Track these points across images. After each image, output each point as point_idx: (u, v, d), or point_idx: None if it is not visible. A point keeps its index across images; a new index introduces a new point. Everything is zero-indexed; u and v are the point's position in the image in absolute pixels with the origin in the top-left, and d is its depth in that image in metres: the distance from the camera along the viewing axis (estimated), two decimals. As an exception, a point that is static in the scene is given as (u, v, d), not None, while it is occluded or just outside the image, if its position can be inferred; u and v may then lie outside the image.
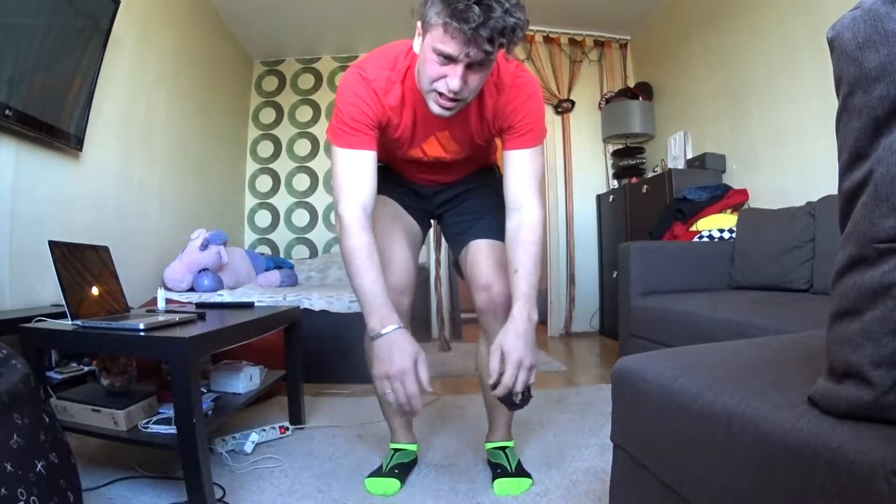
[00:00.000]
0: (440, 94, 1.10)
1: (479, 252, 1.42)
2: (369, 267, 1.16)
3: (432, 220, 1.62)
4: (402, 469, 1.44)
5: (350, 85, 1.21)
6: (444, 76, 1.07)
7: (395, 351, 1.09)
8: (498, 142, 1.40)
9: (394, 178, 1.48)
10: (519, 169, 1.27)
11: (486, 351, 1.38)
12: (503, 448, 1.47)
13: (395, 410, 1.11)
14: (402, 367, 1.07)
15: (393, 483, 1.38)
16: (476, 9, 0.97)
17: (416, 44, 1.15)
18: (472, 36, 0.99)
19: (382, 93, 1.22)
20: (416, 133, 1.29)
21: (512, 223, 1.27)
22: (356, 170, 1.21)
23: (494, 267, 1.38)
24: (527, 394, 1.15)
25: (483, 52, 1.02)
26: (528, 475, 1.39)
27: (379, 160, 1.29)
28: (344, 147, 1.21)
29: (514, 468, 1.41)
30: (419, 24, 1.12)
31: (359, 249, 1.16)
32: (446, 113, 1.14)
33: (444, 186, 1.50)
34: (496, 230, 1.40)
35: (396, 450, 1.50)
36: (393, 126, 1.26)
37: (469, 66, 1.06)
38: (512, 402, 1.14)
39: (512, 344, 1.12)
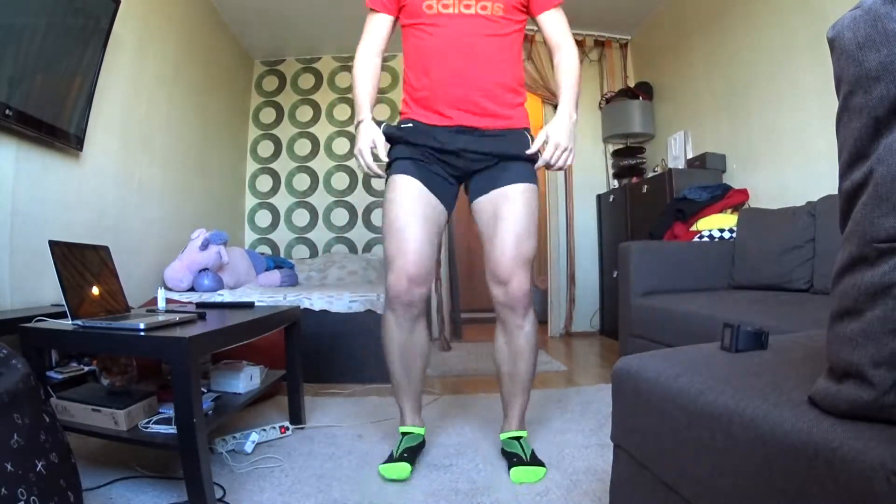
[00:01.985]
0: None
1: (503, 219, 1.47)
2: (363, 79, 1.54)
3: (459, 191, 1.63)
4: (411, 452, 1.50)
5: None
6: None
7: (361, 134, 1.48)
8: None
9: (424, 148, 1.49)
10: (553, 23, 1.58)
11: (504, 342, 1.54)
12: (517, 438, 1.52)
13: (367, 171, 1.49)
14: (361, 145, 1.47)
15: (404, 467, 1.43)
16: None
17: None
18: None
19: None
20: None
21: (555, 58, 1.56)
22: (375, 26, 1.58)
23: (515, 261, 1.45)
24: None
25: None
26: (542, 464, 1.45)
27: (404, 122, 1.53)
28: (369, 6, 1.58)
29: (528, 457, 1.46)
30: None
31: (360, 69, 1.55)
32: None
33: (479, 135, 1.48)
34: (531, 177, 1.53)
35: (405, 434, 1.55)
36: None
37: None
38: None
39: (555, 129, 1.46)
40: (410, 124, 1.51)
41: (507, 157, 1.49)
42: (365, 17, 1.61)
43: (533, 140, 1.52)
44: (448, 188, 1.54)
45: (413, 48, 1.51)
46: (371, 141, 1.46)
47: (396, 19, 1.56)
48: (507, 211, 1.47)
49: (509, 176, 1.49)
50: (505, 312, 1.50)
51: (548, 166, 1.47)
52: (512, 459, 1.46)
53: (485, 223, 1.51)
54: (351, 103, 4.51)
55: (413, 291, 1.46)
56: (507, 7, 1.47)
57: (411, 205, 1.47)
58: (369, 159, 1.47)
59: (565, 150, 1.46)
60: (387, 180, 1.53)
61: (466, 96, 1.46)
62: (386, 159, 1.51)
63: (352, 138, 4.44)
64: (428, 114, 1.48)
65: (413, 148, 1.50)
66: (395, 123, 1.55)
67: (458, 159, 1.50)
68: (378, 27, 1.58)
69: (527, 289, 1.47)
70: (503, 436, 1.56)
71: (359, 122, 1.50)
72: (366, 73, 1.55)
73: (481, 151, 1.48)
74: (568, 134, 1.46)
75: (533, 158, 1.51)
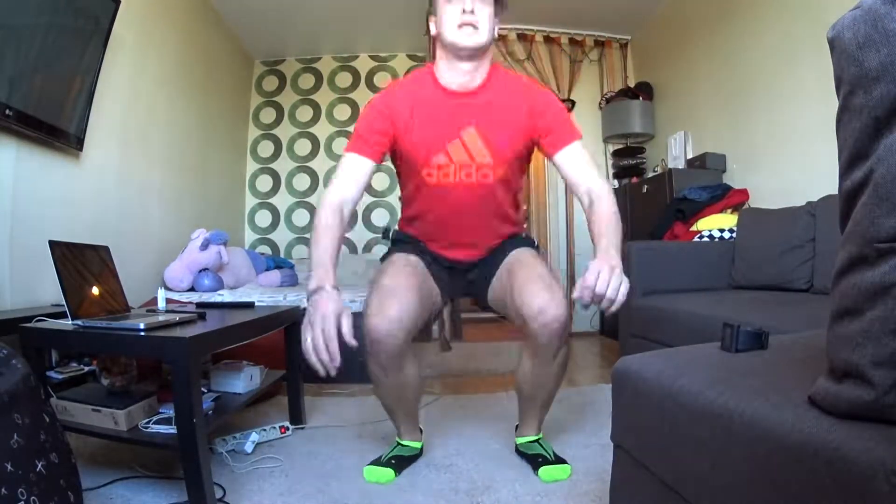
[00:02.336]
0: (459, 25, 1.30)
1: (520, 268, 1.37)
2: (325, 238, 1.26)
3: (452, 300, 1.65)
4: (400, 461, 1.48)
5: (373, 99, 1.42)
6: (458, 7, 1.30)
7: (321, 302, 1.12)
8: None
9: (428, 254, 1.50)
10: (573, 160, 1.37)
11: (529, 367, 1.39)
12: (536, 440, 1.52)
13: (313, 362, 1.08)
14: (324, 312, 1.10)
15: (387, 473, 1.42)
16: None
17: (433, 27, 1.38)
18: None
19: (395, 97, 1.39)
20: (439, 129, 1.37)
21: (584, 203, 1.34)
22: (350, 170, 1.36)
23: (543, 285, 1.28)
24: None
25: None
26: (566, 462, 1.44)
27: (412, 215, 1.48)
28: (348, 151, 1.38)
29: (553, 456, 1.45)
30: (431, 17, 1.38)
31: (322, 225, 1.28)
32: (471, 38, 1.30)
33: (479, 260, 1.51)
34: (530, 244, 1.50)
35: (400, 444, 1.55)
36: (410, 129, 1.36)
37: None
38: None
39: (598, 261, 1.11)
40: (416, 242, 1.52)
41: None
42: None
43: (528, 237, 1.56)
44: (445, 283, 1.51)
45: (413, 198, 1.47)
46: (336, 312, 1.10)
47: (377, 165, 1.38)
48: (517, 265, 1.40)
49: (507, 250, 1.49)
50: (540, 345, 1.30)
51: (591, 301, 1.09)
52: (537, 460, 1.45)
53: (502, 288, 1.42)
54: (351, 104, 4.52)
55: (397, 335, 1.28)
56: (509, 169, 1.41)
57: (405, 273, 1.39)
58: (332, 331, 1.07)
59: (613, 276, 1.08)
60: (383, 259, 1.52)
61: (469, 248, 1.49)
62: (353, 342, 1.09)
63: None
64: (429, 244, 1.51)
65: (414, 245, 1.51)
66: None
67: (459, 270, 1.53)
68: (356, 173, 1.35)
69: (564, 318, 1.26)
70: (520, 440, 1.55)
71: (317, 289, 1.15)
72: (331, 228, 1.27)
73: (486, 272, 1.51)
74: (619, 266, 1.12)
75: (529, 244, 1.53)
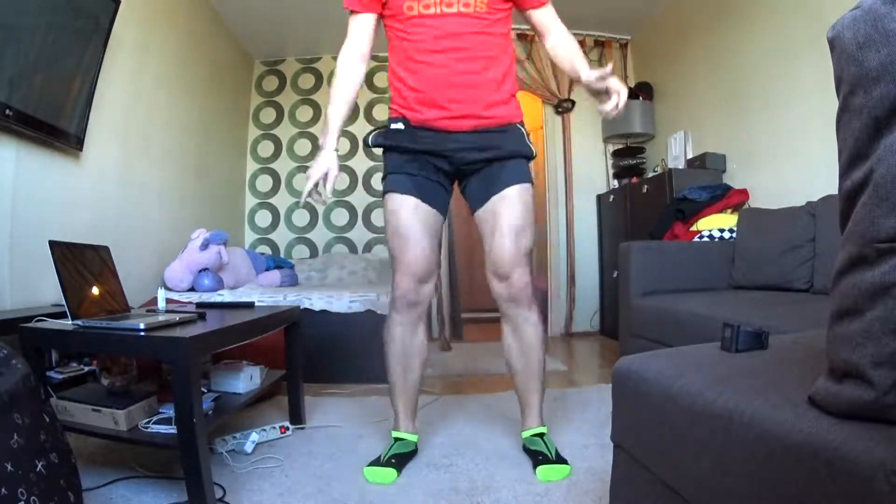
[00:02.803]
0: None
1: (502, 212, 1.48)
2: (339, 100, 1.51)
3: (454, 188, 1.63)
4: (400, 459, 1.50)
5: None
6: None
7: (319, 161, 1.47)
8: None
9: (415, 154, 1.50)
10: (542, 14, 1.54)
11: (513, 339, 1.54)
12: (540, 435, 1.54)
13: (306, 191, 1.45)
14: (311, 171, 1.46)
15: (390, 473, 1.43)
16: None
17: None
18: None
19: None
20: None
21: (548, 43, 1.56)
22: (357, 27, 1.52)
23: (514, 257, 1.47)
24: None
25: None
26: (566, 462, 1.45)
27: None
28: (347, 7, 1.51)
29: (554, 455, 1.47)
30: None
31: (340, 80, 1.51)
32: None
33: (472, 134, 1.47)
34: (526, 177, 1.53)
35: (397, 439, 1.55)
36: None
37: None
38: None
39: (616, 81, 1.39)
40: (400, 125, 1.49)
41: (503, 157, 1.50)
42: None
43: (527, 134, 1.55)
44: (442, 194, 1.56)
45: (398, 48, 1.49)
46: (323, 172, 1.46)
47: (380, 16, 1.51)
48: (504, 210, 1.49)
49: (505, 178, 1.49)
50: (510, 308, 1.51)
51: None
52: (537, 458, 1.47)
53: (485, 225, 1.53)
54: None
55: (419, 290, 1.50)
56: (491, 2, 1.44)
57: (411, 214, 1.50)
58: (309, 185, 1.45)
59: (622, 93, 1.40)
60: (384, 194, 1.55)
61: (456, 98, 1.44)
62: (328, 197, 1.48)
63: (352, 139, 4.45)
64: (422, 108, 1.46)
65: (404, 156, 1.50)
66: (382, 127, 1.56)
67: (450, 163, 1.51)
68: (361, 29, 1.52)
69: (527, 280, 1.49)
70: (525, 434, 1.57)
71: (321, 148, 1.48)
72: (344, 86, 1.52)
73: (477, 159, 1.49)
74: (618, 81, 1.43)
75: (528, 155, 1.53)
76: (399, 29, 1.47)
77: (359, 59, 1.52)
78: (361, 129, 4.47)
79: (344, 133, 4.54)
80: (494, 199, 1.50)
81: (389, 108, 1.55)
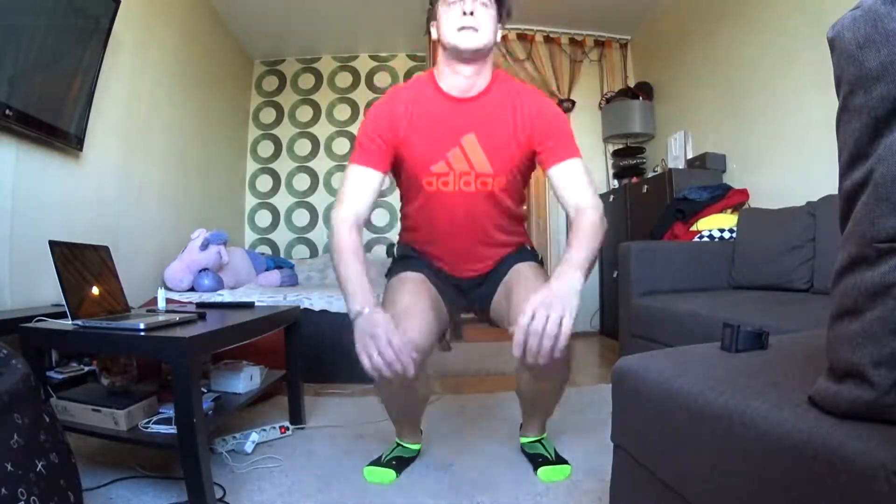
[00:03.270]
0: (459, 28, 1.26)
1: (519, 283, 1.34)
2: (353, 260, 1.23)
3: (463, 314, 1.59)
4: (400, 462, 1.49)
5: (375, 104, 1.38)
6: (458, 10, 1.26)
7: (377, 321, 1.10)
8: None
9: (434, 269, 1.46)
10: (568, 176, 1.30)
11: (527, 377, 1.35)
12: (539, 440, 1.53)
13: (382, 379, 1.09)
14: (387, 328, 1.08)
15: (388, 473, 1.42)
16: None
17: (434, 33, 1.35)
18: None
19: (396, 101, 1.36)
20: (439, 136, 1.33)
21: (570, 219, 1.29)
22: (359, 183, 1.31)
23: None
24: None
25: None
26: (567, 462, 1.44)
27: (412, 239, 1.46)
28: (353, 163, 1.33)
29: (554, 456, 1.47)
30: (432, 23, 1.36)
31: (345, 245, 1.25)
32: (470, 40, 1.26)
33: (483, 276, 1.46)
34: (533, 259, 1.46)
35: (399, 444, 1.55)
36: (410, 136, 1.33)
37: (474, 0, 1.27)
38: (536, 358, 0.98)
39: (545, 291, 1.04)
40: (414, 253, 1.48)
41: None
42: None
43: (532, 251, 1.51)
44: (452, 298, 1.48)
45: (412, 207, 1.43)
46: (388, 330, 1.08)
47: (385, 175, 1.35)
48: (517, 280, 1.38)
49: (508, 264, 1.44)
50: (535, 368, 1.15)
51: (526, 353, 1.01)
52: (538, 460, 1.46)
53: (501, 307, 1.41)
54: (351, 104, 4.52)
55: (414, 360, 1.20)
56: (509, 179, 1.37)
57: (419, 289, 1.38)
58: (399, 343, 1.06)
59: (551, 316, 0.99)
60: (389, 275, 1.49)
61: (468, 265, 1.45)
62: (415, 355, 1.09)
63: (351, 138, 4.44)
64: (432, 260, 1.46)
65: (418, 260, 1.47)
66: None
67: (460, 288, 1.50)
68: (364, 186, 1.30)
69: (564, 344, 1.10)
70: (524, 439, 1.55)
71: (360, 312, 1.13)
72: (355, 247, 1.25)
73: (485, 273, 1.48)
74: (562, 296, 1.03)
75: (535, 259, 1.49)
76: (413, 193, 1.41)
77: (357, 226, 1.28)
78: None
79: (343, 133, 4.57)
80: (504, 282, 1.42)
81: (399, 236, 1.54)
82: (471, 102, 1.34)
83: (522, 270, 1.41)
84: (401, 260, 1.50)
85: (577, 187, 1.29)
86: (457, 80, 1.32)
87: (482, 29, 1.27)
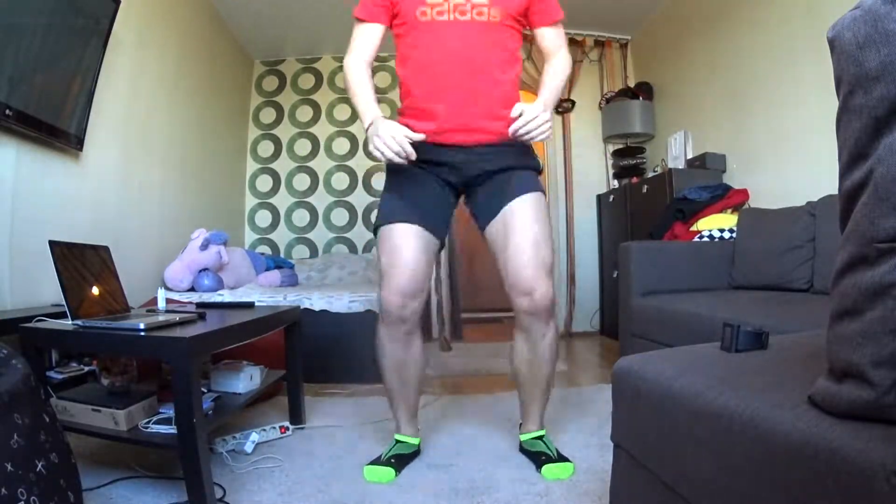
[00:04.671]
0: None
1: (517, 225, 1.42)
2: (364, 87, 1.45)
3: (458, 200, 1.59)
4: (400, 460, 1.50)
5: None
6: None
7: (384, 124, 1.33)
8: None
9: (419, 170, 1.46)
10: (551, 36, 1.53)
11: (527, 349, 1.48)
12: (539, 437, 1.54)
13: (389, 156, 1.31)
14: (391, 126, 1.32)
15: (388, 472, 1.43)
16: None
17: None
18: None
19: None
20: None
21: (547, 64, 1.53)
22: (364, 36, 1.49)
23: (537, 270, 1.40)
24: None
25: None
26: (569, 460, 1.45)
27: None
28: (357, 17, 1.49)
29: (556, 454, 1.47)
30: None
31: (357, 78, 1.46)
32: None
33: (476, 149, 1.46)
34: (536, 186, 1.50)
35: (398, 441, 1.55)
36: None
37: None
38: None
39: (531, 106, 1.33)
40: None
41: (510, 167, 1.48)
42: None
43: (533, 150, 1.54)
44: (445, 209, 1.51)
45: (408, 58, 1.46)
46: (391, 135, 1.30)
47: (387, 28, 1.49)
48: (517, 221, 1.43)
49: (513, 189, 1.46)
50: (529, 321, 1.44)
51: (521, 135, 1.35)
52: (540, 458, 1.46)
53: (497, 238, 1.47)
54: (351, 104, 4.51)
55: (407, 306, 1.43)
56: (505, 14, 1.42)
57: (406, 237, 1.45)
58: (401, 136, 1.30)
59: (542, 120, 1.33)
60: (376, 229, 1.50)
61: (466, 112, 1.42)
62: (421, 136, 1.33)
63: (351, 138, 4.45)
64: (428, 122, 1.43)
65: (406, 172, 1.46)
66: None
67: (457, 172, 1.48)
68: (368, 38, 1.49)
69: (552, 295, 1.42)
70: (524, 436, 1.56)
71: (375, 120, 1.36)
72: (362, 78, 1.46)
73: (484, 170, 1.47)
74: (543, 110, 1.35)
75: (536, 168, 1.53)
76: (410, 37, 1.44)
77: (365, 65, 1.48)
78: (361, 128, 4.46)
79: (343, 133, 4.58)
80: (505, 211, 1.45)
81: (398, 118, 1.51)
82: None
83: (523, 208, 1.45)
84: (388, 203, 1.51)
85: (556, 43, 1.54)
86: None
87: None
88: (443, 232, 1.53)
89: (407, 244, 1.44)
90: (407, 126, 1.36)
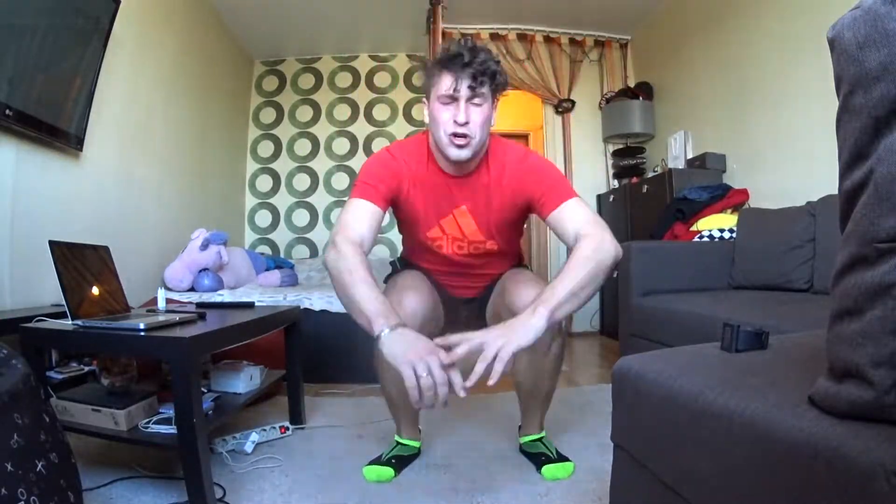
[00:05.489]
0: (452, 135, 1.25)
1: (511, 277, 1.43)
2: (365, 279, 1.13)
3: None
4: (400, 461, 1.49)
5: (375, 156, 1.39)
6: (452, 116, 1.25)
7: (414, 339, 1.06)
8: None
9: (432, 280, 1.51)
10: (565, 215, 1.25)
11: (527, 360, 1.39)
12: (539, 439, 1.54)
13: (417, 403, 1.03)
14: (429, 349, 1.02)
15: (387, 471, 1.43)
16: (464, 52, 1.22)
17: (426, 115, 1.33)
18: (463, 71, 1.22)
19: (404, 163, 1.36)
20: (434, 205, 1.38)
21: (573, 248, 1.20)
22: (361, 214, 1.27)
23: (533, 283, 1.36)
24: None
25: (476, 84, 1.22)
26: (569, 459, 1.45)
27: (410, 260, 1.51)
28: (355, 197, 1.30)
29: (556, 454, 1.47)
30: (426, 99, 1.33)
31: (355, 265, 1.15)
32: (462, 152, 1.27)
33: (474, 297, 1.55)
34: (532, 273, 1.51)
35: (399, 443, 1.55)
36: (409, 198, 1.37)
37: (469, 101, 1.24)
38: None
39: (492, 333, 1.05)
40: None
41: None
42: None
43: (522, 260, 1.61)
44: (449, 309, 1.54)
45: (411, 247, 1.53)
46: (435, 349, 1.03)
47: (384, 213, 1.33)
48: (507, 278, 1.46)
49: (501, 274, 1.53)
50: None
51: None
52: (540, 459, 1.46)
53: (495, 299, 1.48)
54: (351, 104, 4.51)
55: (413, 327, 1.22)
56: (501, 238, 1.43)
57: (418, 282, 1.43)
58: (441, 372, 1.01)
59: (496, 345, 1.03)
60: (387, 280, 1.54)
61: (467, 289, 1.53)
62: (464, 392, 1.04)
63: (351, 138, 4.45)
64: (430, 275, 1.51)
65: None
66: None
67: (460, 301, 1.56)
68: (367, 216, 1.26)
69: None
70: (523, 439, 1.56)
71: (394, 329, 1.06)
72: (364, 267, 1.16)
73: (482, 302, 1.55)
74: (512, 330, 1.06)
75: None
76: (410, 238, 1.50)
77: (360, 250, 1.21)
78: (361, 128, 4.48)
79: (343, 133, 4.58)
80: (498, 284, 1.49)
81: (403, 251, 1.62)
82: (464, 178, 1.37)
83: (512, 271, 1.50)
84: (402, 266, 1.58)
85: (575, 222, 1.23)
86: (448, 166, 1.35)
87: (476, 136, 1.25)
88: (447, 316, 1.54)
89: (422, 288, 1.40)
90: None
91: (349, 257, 1.16)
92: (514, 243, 1.53)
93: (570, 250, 1.20)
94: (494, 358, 1.01)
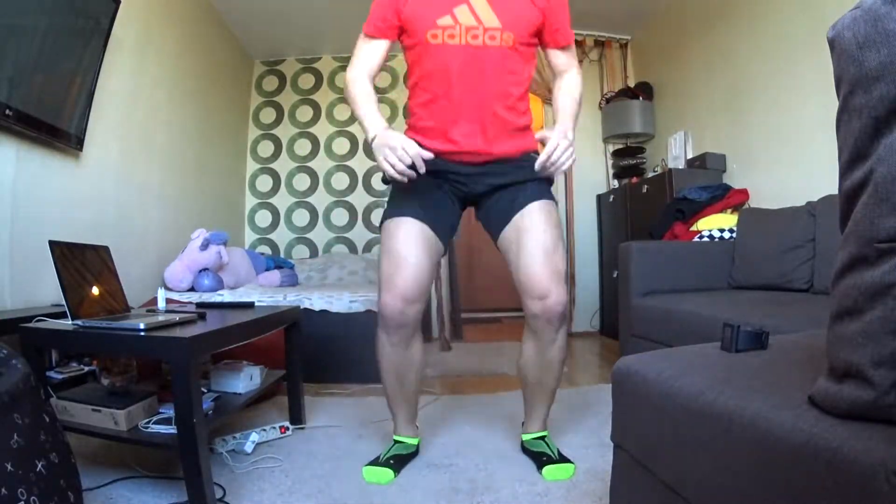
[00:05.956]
0: None
1: (530, 231, 1.42)
2: (366, 98, 1.43)
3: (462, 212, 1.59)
4: (398, 460, 1.49)
5: None
6: None
7: (391, 136, 1.31)
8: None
9: (428, 184, 1.44)
10: (563, 60, 1.55)
11: (535, 353, 1.46)
12: (541, 437, 1.54)
13: (395, 176, 1.29)
14: (401, 139, 1.29)
15: (387, 473, 1.43)
16: None
17: None
18: None
19: None
20: None
21: (556, 83, 1.56)
22: (368, 51, 1.47)
23: (551, 276, 1.39)
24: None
25: None
26: (570, 461, 1.45)
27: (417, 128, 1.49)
28: (364, 33, 1.48)
29: (557, 455, 1.47)
30: None
31: (359, 89, 1.44)
32: None
33: (487, 165, 1.46)
34: (548, 195, 1.50)
35: (397, 441, 1.55)
36: None
37: None
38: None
39: (555, 132, 1.36)
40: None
41: (520, 181, 1.48)
42: (364, 19, 1.51)
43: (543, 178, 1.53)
44: (451, 212, 1.51)
45: (419, 80, 1.47)
46: (407, 142, 1.29)
47: (393, 42, 1.49)
48: (529, 226, 1.43)
49: (525, 196, 1.47)
50: (540, 324, 1.42)
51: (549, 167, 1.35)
52: (541, 458, 1.46)
53: (510, 246, 1.46)
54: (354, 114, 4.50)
55: (407, 312, 1.41)
56: (518, 38, 1.41)
57: (410, 235, 1.44)
58: (414, 148, 1.27)
59: (563, 148, 1.34)
60: (382, 223, 1.51)
61: (479, 139, 1.43)
62: (430, 154, 1.31)
63: (351, 138, 4.44)
64: (434, 141, 1.43)
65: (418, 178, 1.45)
66: None
67: (464, 185, 1.49)
68: (372, 53, 1.47)
69: (565, 301, 1.40)
70: (526, 436, 1.56)
71: (381, 131, 1.34)
72: (364, 89, 1.44)
73: (491, 185, 1.48)
74: (563, 138, 1.37)
75: (547, 178, 1.50)
76: (419, 57, 1.44)
77: (368, 78, 1.46)
78: (361, 128, 4.47)
79: (343, 133, 4.58)
80: (516, 219, 1.45)
81: (405, 131, 1.51)
82: None
83: (535, 215, 1.45)
84: (395, 199, 1.51)
85: (569, 63, 1.56)
86: None
87: None
88: (446, 238, 1.52)
89: (412, 242, 1.43)
90: (415, 141, 1.35)
91: (353, 84, 1.45)
92: (525, 65, 1.47)
93: (555, 75, 1.57)
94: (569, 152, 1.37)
